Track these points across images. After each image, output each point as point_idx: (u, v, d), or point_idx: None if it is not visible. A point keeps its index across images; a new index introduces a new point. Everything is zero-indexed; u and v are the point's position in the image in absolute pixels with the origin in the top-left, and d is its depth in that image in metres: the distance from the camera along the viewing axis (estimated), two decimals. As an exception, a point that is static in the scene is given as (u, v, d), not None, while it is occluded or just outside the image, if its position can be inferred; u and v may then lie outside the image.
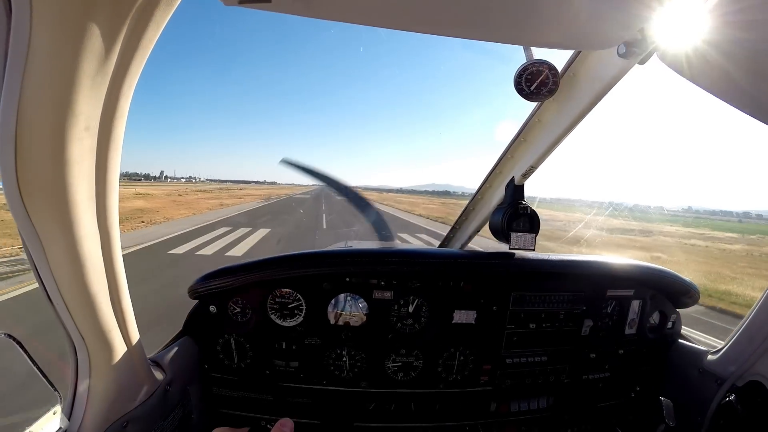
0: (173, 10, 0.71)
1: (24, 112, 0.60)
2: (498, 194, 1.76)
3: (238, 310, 1.50)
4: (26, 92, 0.59)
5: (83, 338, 0.87)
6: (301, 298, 1.50)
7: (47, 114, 0.62)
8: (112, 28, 0.63)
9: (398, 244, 3.68)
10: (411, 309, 1.54)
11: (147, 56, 0.74)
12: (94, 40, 0.61)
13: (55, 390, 0.93)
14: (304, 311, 1.51)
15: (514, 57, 1.22)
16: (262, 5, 0.65)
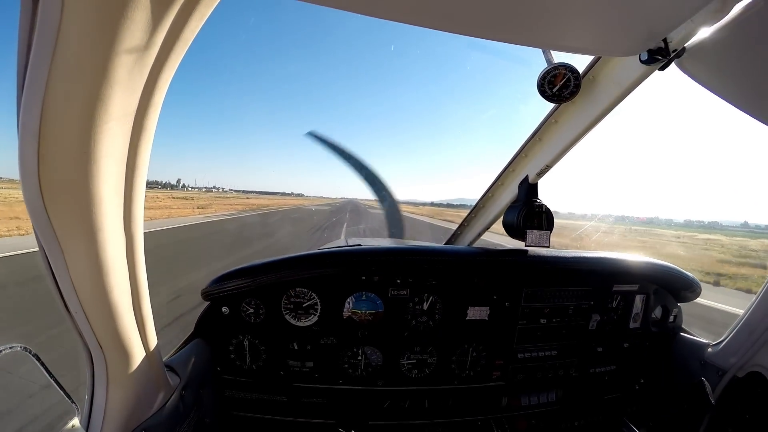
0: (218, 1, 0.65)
1: (50, 106, 0.54)
2: (510, 192, 1.79)
3: (252, 310, 1.49)
4: (53, 85, 0.53)
5: (101, 347, 0.84)
6: (316, 297, 1.49)
7: (76, 110, 0.56)
8: (156, 15, 0.56)
9: (399, 243, 3.77)
10: (426, 306, 1.56)
11: (187, 48, 0.67)
12: (135, 27, 0.54)
13: (73, 402, 0.89)
14: (319, 311, 1.50)
15: (533, 61, 1.25)
16: None
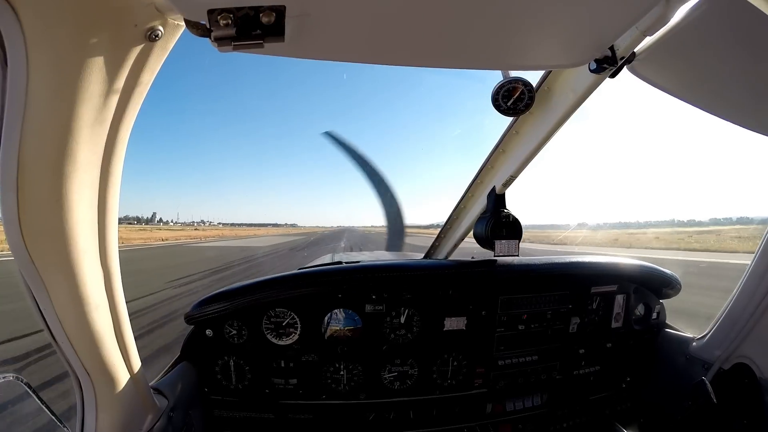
0: (167, 54, 0.74)
1: (24, 161, 0.62)
2: (480, 203, 1.78)
3: (234, 332, 1.52)
4: (26, 144, 0.62)
5: (89, 374, 0.89)
6: (295, 316, 1.52)
7: (48, 164, 0.65)
8: (109, 76, 0.65)
9: (384, 255, 3.73)
10: (403, 319, 1.58)
11: (142, 101, 0.77)
12: (93, 89, 0.64)
13: (65, 427, 0.96)
14: (299, 329, 1.53)
15: (490, 77, 1.24)
16: (255, 50, 0.66)
